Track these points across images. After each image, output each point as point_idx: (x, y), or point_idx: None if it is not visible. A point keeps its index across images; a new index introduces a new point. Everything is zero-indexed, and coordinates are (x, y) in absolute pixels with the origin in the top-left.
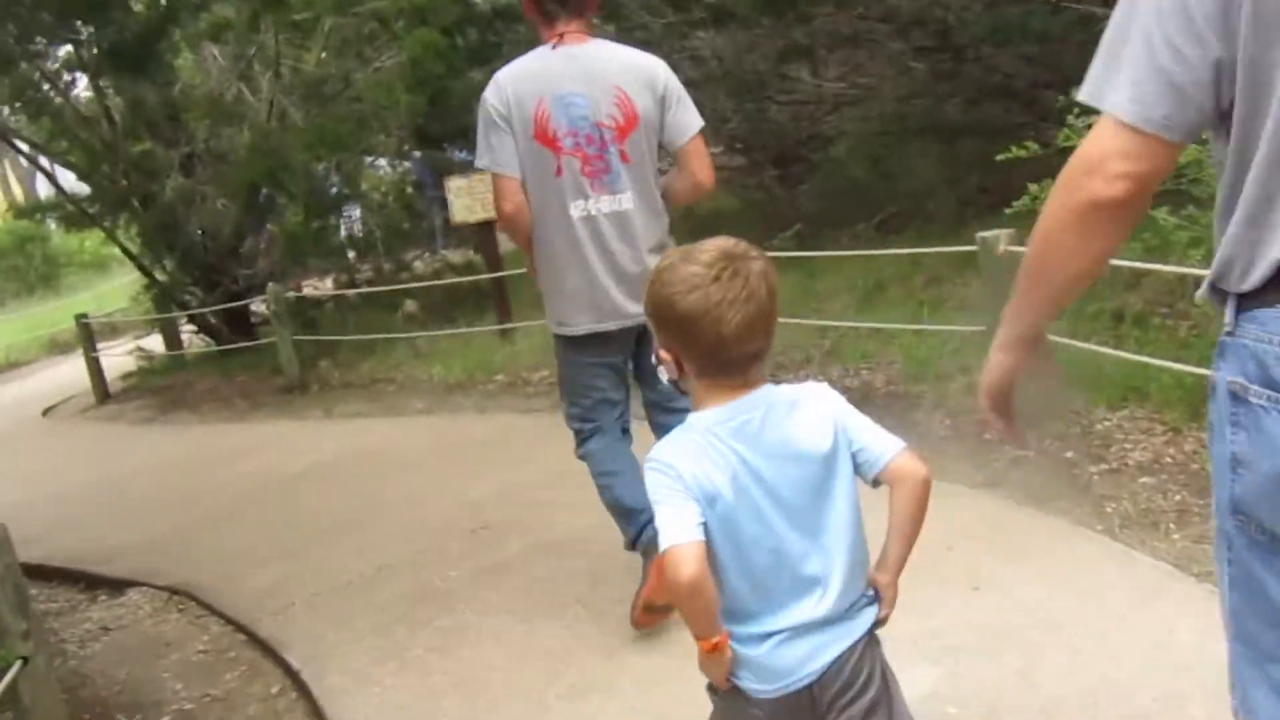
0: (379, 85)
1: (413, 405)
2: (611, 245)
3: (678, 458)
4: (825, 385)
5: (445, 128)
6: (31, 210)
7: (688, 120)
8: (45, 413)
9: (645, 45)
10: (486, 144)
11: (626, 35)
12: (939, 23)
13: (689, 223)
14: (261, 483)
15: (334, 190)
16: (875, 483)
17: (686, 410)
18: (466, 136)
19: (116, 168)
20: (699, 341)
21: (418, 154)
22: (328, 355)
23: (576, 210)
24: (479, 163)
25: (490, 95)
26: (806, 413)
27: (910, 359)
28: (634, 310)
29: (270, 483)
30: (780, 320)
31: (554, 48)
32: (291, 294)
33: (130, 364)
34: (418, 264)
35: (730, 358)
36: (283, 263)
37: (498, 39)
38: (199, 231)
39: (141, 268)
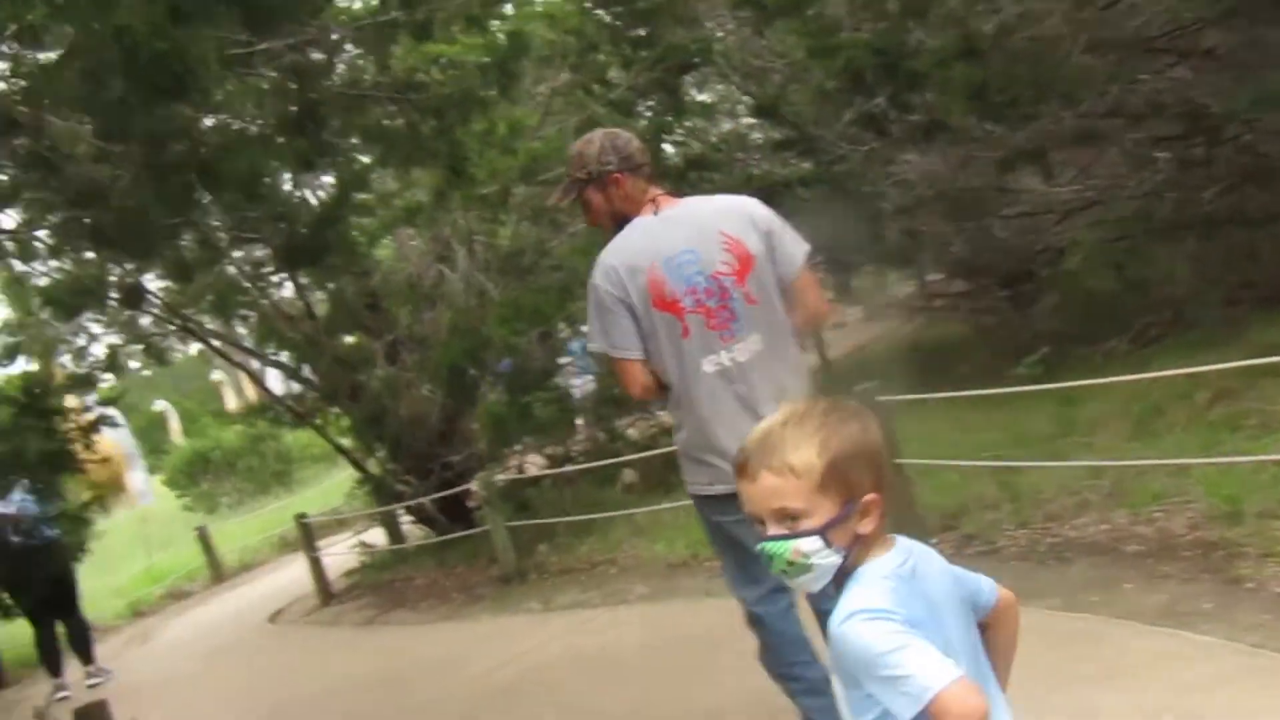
0: (575, 250)
1: (635, 590)
2: (753, 391)
3: (891, 603)
4: None
5: None
6: (245, 415)
7: (794, 252)
8: (272, 618)
9: (846, 177)
10: (600, 328)
11: (824, 170)
12: (1184, 103)
13: (918, 355)
14: (472, 697)
15: (567, 355)
16: (982, 625)
17: None
18: None
19: (321, 363)
20: (890, 473)
21: None
22: (545, 538)
23: (710, 365)
24: (591, 346)
25: (599, 279)
26: (939, 560)
27: (1217, 497)
28: None
29: (481, 696)
30: (1043, 463)
31: (654, 214)
32: (503, 476)
33: (355, 559)
34: (631, 431)
35: None
36: (492, 445)
37: (692, 190)
38: (407, 420)
39: (354, 462)
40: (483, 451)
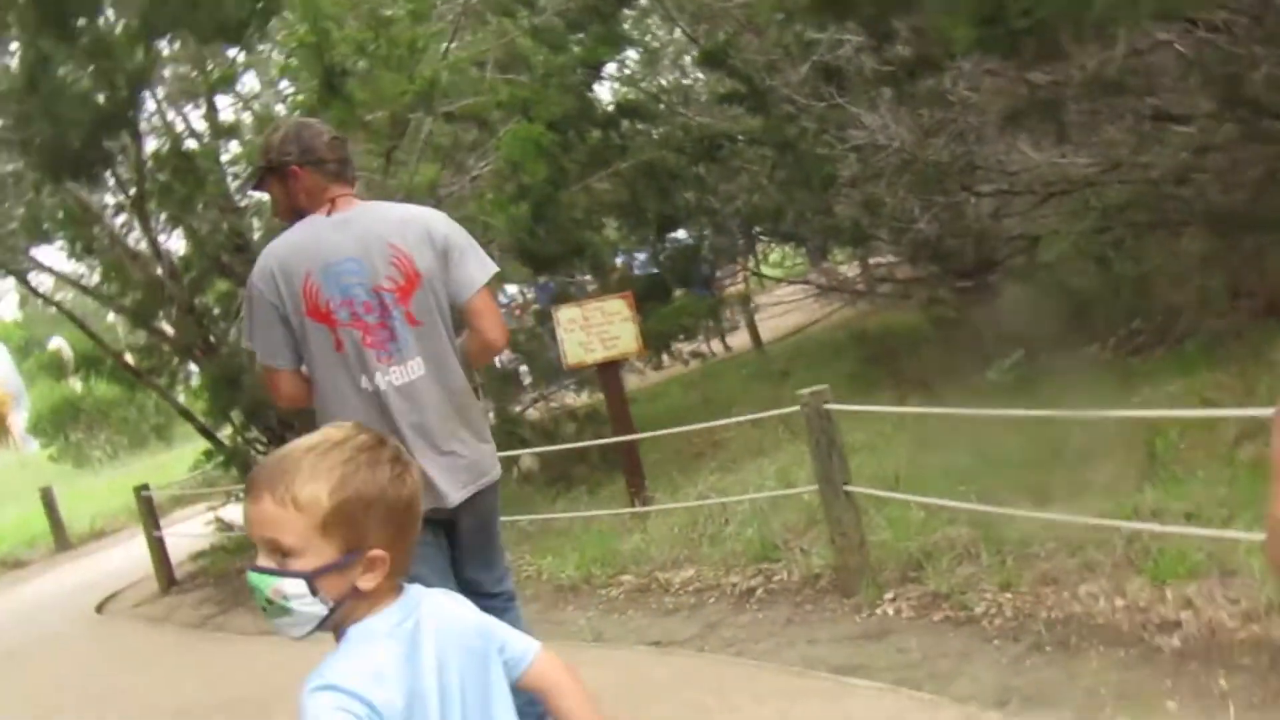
0: (484, 200)
1: None
2: (410, 419)
3: (355, 677)
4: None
5: (557, 245)
6: (75, 366)
7: (470, 273)
8: (100, 606)
9: (800, 135)
10: (251, 330)
11: (774, 128)
12: (1226, 65)
13: (862, 347)
14: None
15: None
16: (520, 686)
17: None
18: (583, 255)
19: (169, 312)
20: (413, 530)
21: (544, 279)
22: None
23: (366, 384)
24: (245, 344)
25: (255, 277)
26: (457, 612)
27: None
28: (450, 491)
29: None
30: (1027, 513)
31: (327, 215)
32: None
33: (212, 536)
34: (532, 413)
35: None
36: None
37: (622, 141)
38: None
39: (202, 429)
40: None
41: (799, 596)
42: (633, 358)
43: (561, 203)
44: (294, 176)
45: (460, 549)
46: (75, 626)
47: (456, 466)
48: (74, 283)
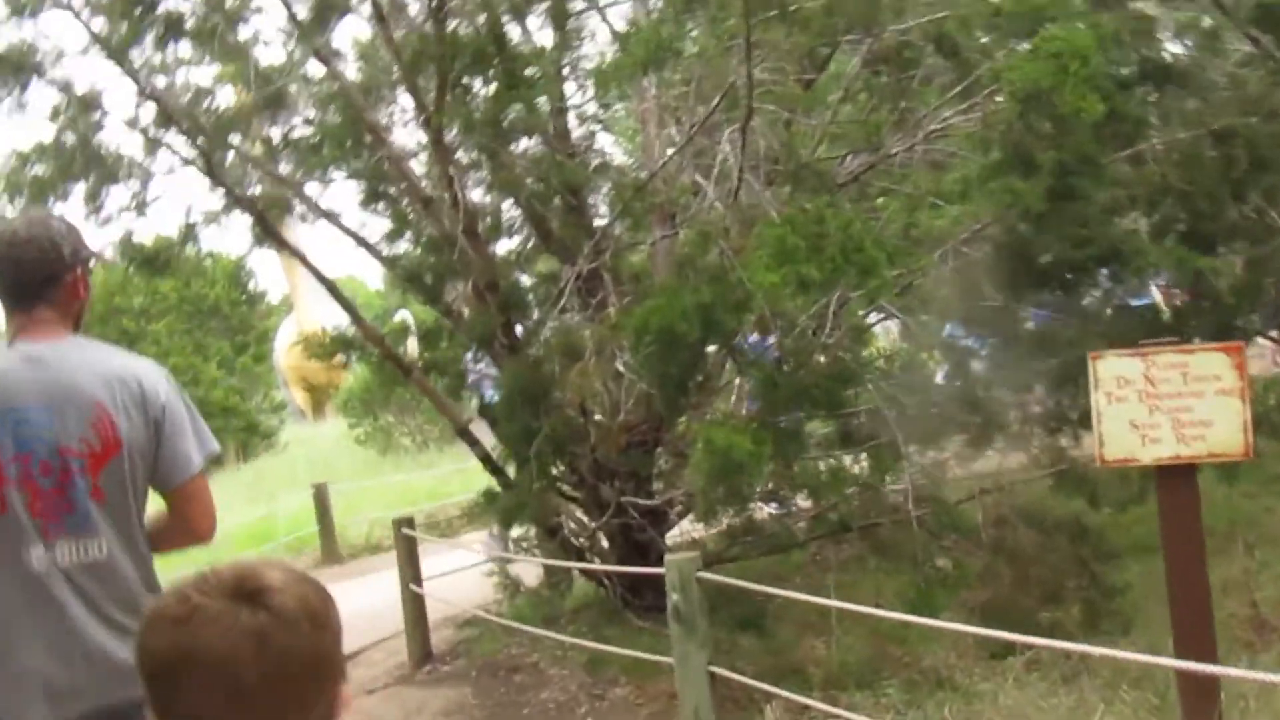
0: (925, 166)
1: None
2: (76, 609)
3: None
4: None
5: (1067, 247)
6: (324, 348)
7: (187, 453)
8: None
9: None
10: None
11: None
12: None
13: None
14: None
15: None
16: None
17: None
18: (1123, 260)
19: (464, 283)
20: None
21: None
22: (781, 673)
23: (26, 559)
24: None
25: None
26: None
27: None
28: (104, 696)
29: None
30: None
31: (10, 345)
32: (709, 572)
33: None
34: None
35: None
36: (716, 492)
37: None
38: (577, 404)
39: (486, 459)
40: (697, 495)
41: None
42: (1236, 459)
43: (1101, 176)
44: None
45: None
46: None
47: (116, 666)
48: (353, 234)
